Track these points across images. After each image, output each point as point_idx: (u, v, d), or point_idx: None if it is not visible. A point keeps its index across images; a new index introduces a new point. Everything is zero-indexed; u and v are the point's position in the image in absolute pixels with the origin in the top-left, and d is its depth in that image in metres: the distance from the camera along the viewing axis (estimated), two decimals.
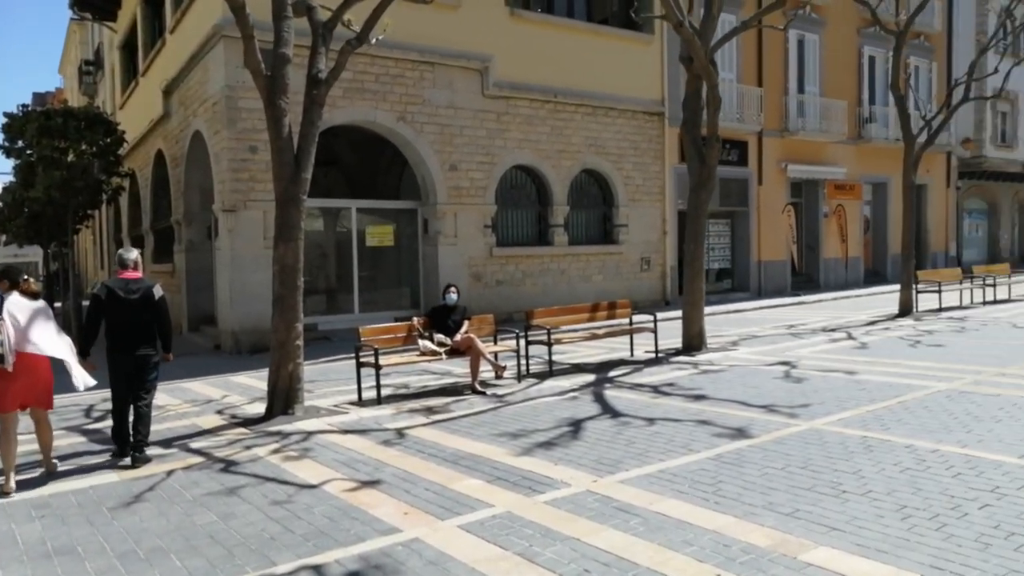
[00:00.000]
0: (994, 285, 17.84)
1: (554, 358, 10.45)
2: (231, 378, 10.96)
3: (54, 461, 6.38)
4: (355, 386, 8.97)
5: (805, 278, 23.38)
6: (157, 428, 7.46)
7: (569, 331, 11.53)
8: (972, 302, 17.52)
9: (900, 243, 26.23)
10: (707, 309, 16.07)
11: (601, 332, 11.07)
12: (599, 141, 18.44)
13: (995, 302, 17.51)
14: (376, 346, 8.76)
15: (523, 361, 10.05)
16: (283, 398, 8.00)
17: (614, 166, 18.73)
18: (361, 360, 8.83)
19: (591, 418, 7.47)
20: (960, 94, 17.31)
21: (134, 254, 6.70)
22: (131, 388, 6.51)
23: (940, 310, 16.21)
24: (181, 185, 16.65)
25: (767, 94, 21.84)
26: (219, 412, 8.60)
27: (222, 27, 13.40)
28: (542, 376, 9.95)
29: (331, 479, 5.78)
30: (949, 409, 7.17)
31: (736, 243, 21.94)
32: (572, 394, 8.73)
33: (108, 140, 18.23)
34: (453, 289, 9.62)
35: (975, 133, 29.43)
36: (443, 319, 9.46)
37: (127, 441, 6.54)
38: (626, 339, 11.84)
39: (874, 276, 25.39)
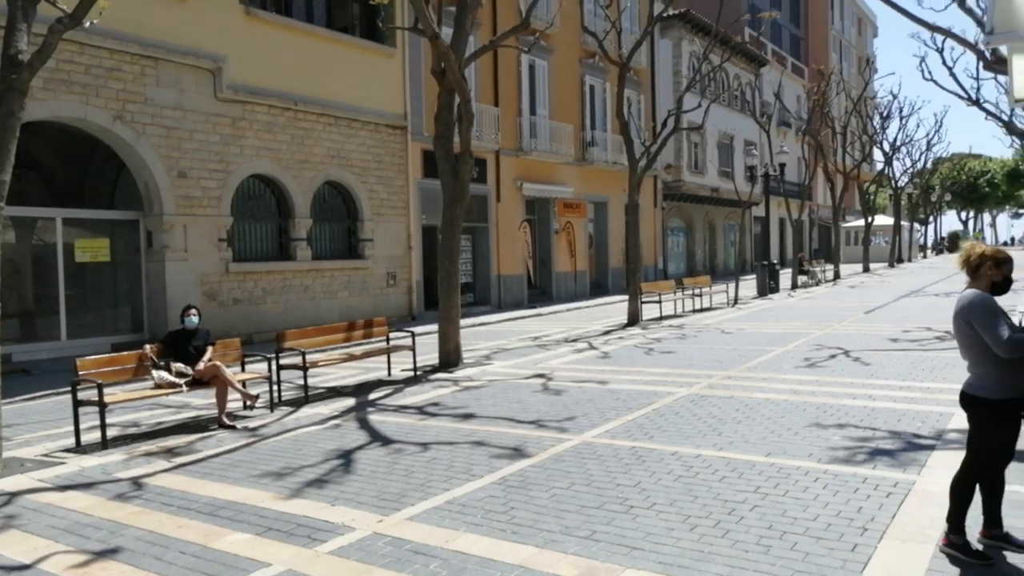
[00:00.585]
0: (700, 295, 20.12)
1: (309, 382, 9.72)
2: None
3: None
4: (71, 429, 7.56)
5: (540, 291, 24.63)
6: None
7: (323, 352, 10.85)
8: (684, 311, 19.59)
9: (618, 257, 28.86)
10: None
11: (359, 352, 10.53)
12: (343, 153, 17.82)
13: (702, 310, 19.75)
14: (99, 380, 7.45)
15: (275, 388, 9.20)
16: None
17: (358, 179, 18.21)
18: (80, 397, 7.46)
19: (361, 448, 6.97)
20: (671, 124, 19.23)
21: None
22: None
23: (661, 319, 17.89)
24: None
25: (503, 114, 22.72)
26: None
27: None
28: (297, 403, 9.19)
29: (51, 554, 4.69)
30: (696, 413, 7.75)
31: (477, 258, 22.46)
32: (334, 422, 8.13)
33: None
34: (193, 311, 8.54)
35: (675, 160, 33.23)
36: (182, 345, 8.35)
37: None
38: (382, 358, 11.41)
39: (598, 288, 27.50)
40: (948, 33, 13.74)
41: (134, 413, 8.98)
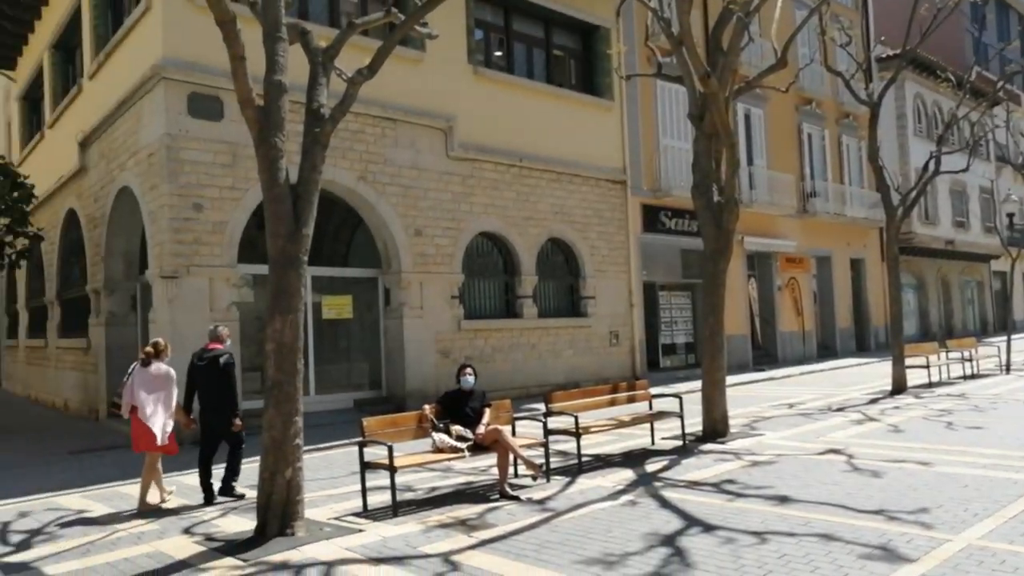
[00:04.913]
0: (972, 359, 17.41)
1: (567, 448, 8.92)
2: (181, 479, 8.80)
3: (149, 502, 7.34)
4: (351, 489, 7.22)
5: (764, 352, 22.79)
6: (91, 563, 5.47)
7: (590, 417, 10.05)
8: (950, 377, 17.07)
9: (846, 316, 26.39)
10: (682, 386, 15.02)
11: (627, 419, 9.61)
12: (565, 209, 17.41)
13: (972, 377, 17.13)
14: (386, 440, 7.05)
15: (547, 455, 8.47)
16: (279, 513, 6.14)
17: (580, 235, 17.69)
18: (367, 460, 7.08)
19: (680, 533, 5.98)
20: (932, 168, 17.00)
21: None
22: None
23: (931, 385, 15.63)
24: (101, 249, 14.41)
25: None
26: (187, 531, 6.61)
27: (162, 67, 11.69)
28: (570, 473, 8.38)
29: None
30: None
31: (697, 316, 21.15)
32: (625, 498, 7.22)
33: (15, 195, 15.64)
34: (469, 371, 8.03)
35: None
36: (459, 407, 7.84)
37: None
38: (639, 424, 10.42)
39: (825, 350, 25.15)
40: None
41: (402, 476, 8.56)
